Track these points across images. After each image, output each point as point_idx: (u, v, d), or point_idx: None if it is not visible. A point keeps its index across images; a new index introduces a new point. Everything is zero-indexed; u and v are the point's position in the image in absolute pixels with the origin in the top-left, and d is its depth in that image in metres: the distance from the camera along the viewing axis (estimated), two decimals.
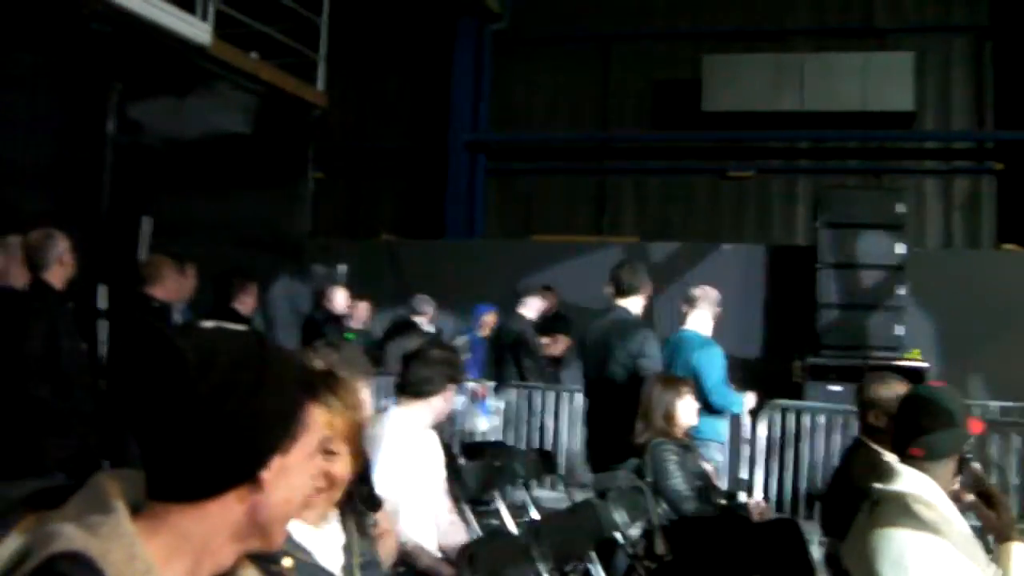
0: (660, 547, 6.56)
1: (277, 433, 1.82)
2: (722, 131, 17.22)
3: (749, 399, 8.86)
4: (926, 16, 17.04)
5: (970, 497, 4.03)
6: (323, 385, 3.16)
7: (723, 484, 8.05)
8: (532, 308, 12.25)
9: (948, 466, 3.91)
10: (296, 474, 1.86)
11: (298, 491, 1.88)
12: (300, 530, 3.07)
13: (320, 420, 2.02)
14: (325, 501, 3.25)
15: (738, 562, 6.55)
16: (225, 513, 1.79)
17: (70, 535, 1.68)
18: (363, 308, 13.25)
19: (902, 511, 3.78)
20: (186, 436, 1.75)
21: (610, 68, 18.16)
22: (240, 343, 1.83)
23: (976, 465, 4.25)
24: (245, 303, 9.36)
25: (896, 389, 5.12)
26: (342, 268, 14.65)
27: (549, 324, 13.19)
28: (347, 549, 3.32)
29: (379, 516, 4.38)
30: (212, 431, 1.74)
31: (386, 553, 4.31)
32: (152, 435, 1.78)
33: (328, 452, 3.12)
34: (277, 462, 1.82)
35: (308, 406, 1.89)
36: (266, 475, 1.80)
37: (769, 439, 9.84)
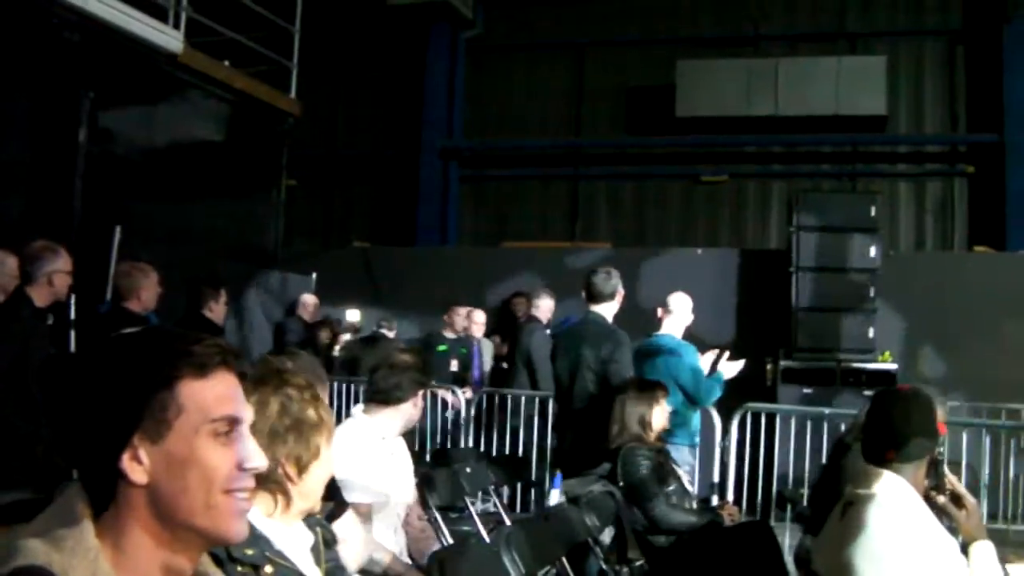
0: (632, 552, 6.57)
1: (122, 419, 1.78)
2: (696, 136, 17.22)
3: (728, 368, 8.80)
4: (898, 20, 17.13)
5: (941, 499, 4.06)
6: (273, 376, 3.18)
7: (695, 488, 8.03)
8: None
9: (920, 468, 3.94)
10: (183, 458, 1.81)
11: (197, 476, 1.82)
12: (276, 536, 3.05)
13: (270, 409, 1.97)
14: (296, 498, 3.23)
15: (711, 565, 6.56)
16: (133, 516, 1.79)
17: (34, 549, 1.67)
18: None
19: (877, 512, 3.80)
20: (59, 450, 1.80)
21: (584, 74, 18.19)
22: (106, 343, 1.85)
23: (947, 468, 4.27)
24: (215, 310, 9.32)
25: None
26: (312, 276, 14.60)
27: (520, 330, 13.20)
28: (315, 551, 3.31)
29: (344, 522, 4.38)
30: (66, 431, 1.78)
31: (353, 559, 4.30)
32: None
33: (280, 444, 3.11)
34: (150, 451, 1.79)
35: (177, 389, 1.83)
36: (134, 466, 1.78)
37: (741, 442, 9.84)
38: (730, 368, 8.67)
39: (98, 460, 1.77)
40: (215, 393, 1.87)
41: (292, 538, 3.17)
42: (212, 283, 9.38)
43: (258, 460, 1.89)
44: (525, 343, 11.37)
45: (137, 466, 1.77)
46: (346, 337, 13.23)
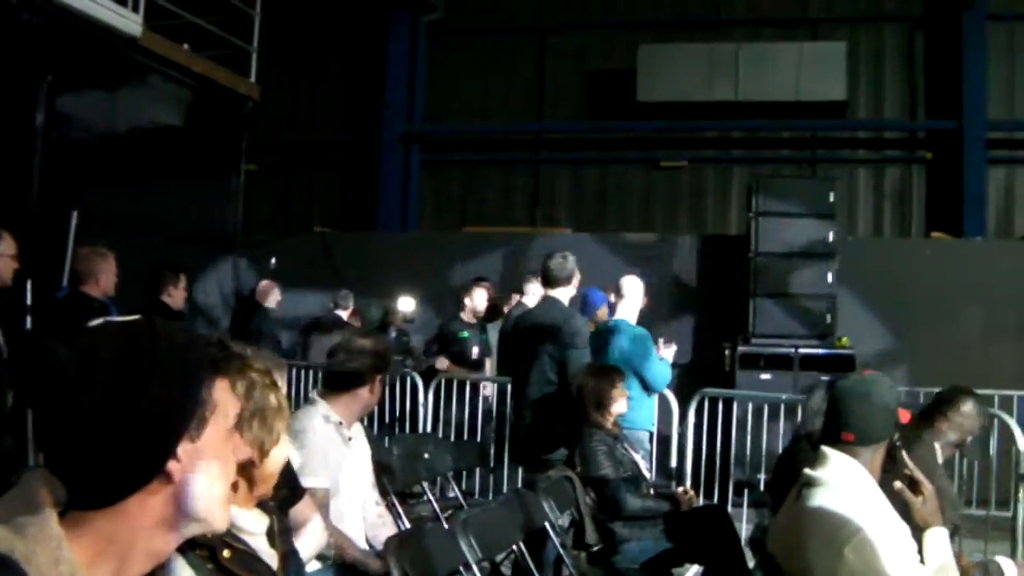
0: (590, 537, 6.60)
1: (176, 421, 1.77)
2: (656, 121, 17.25)
3: (666, 352, 8.87)
4: (859, 6, 17.20)
5: (897, 484, 4.09)
6: (232, 364, 3.15)
7: (652, 473, 8.06)
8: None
9: (877, 452, 3.96)
10: (213, 457, 1.82)
11: (220, 474, 1.84)
12: (234, 519, 3.05)
13: (231, 396, 1.95)
14: (257, 483, 3.24)
15: (668, 550, 6.60)
16: (145, 510, 1.76)
17: None
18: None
19: (830, 493, 3.83)
20: (80, 443, 1.70)
21: (545, 59, 18.18)
22: (125, 335, 1.77)
23: (904, 452, 4.30)
24: (174, 295, 9.26)
25: None
26: (272, 261, 14.55)
27: (485, 316, 13.20)
28: (270, 536, 3.31)
29: (300, 507, 4.38)
30: (105, 434, 1.70)
31: (309, 544, 4.30)
32: (49, 446, 1.74)
33: (245, 430, 3.11)
34: (187, 449, 1.78)
35: (212, 386, 1.84)
36: (175, 465, 1.76)
37: (698, 427, 9.88)
38: (667, 352, 8.74)
39: (146, 461, 1.75)
40: (229, 390, 1.90)
41: (249, 522, 3.17)
42: (171, 268, 9.33)
43: (246, 450, 1.92)
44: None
45: (176, 464, 1.77)
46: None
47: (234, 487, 1.94)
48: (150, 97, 12.89)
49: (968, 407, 5.62)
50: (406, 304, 13.04)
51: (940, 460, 5.32)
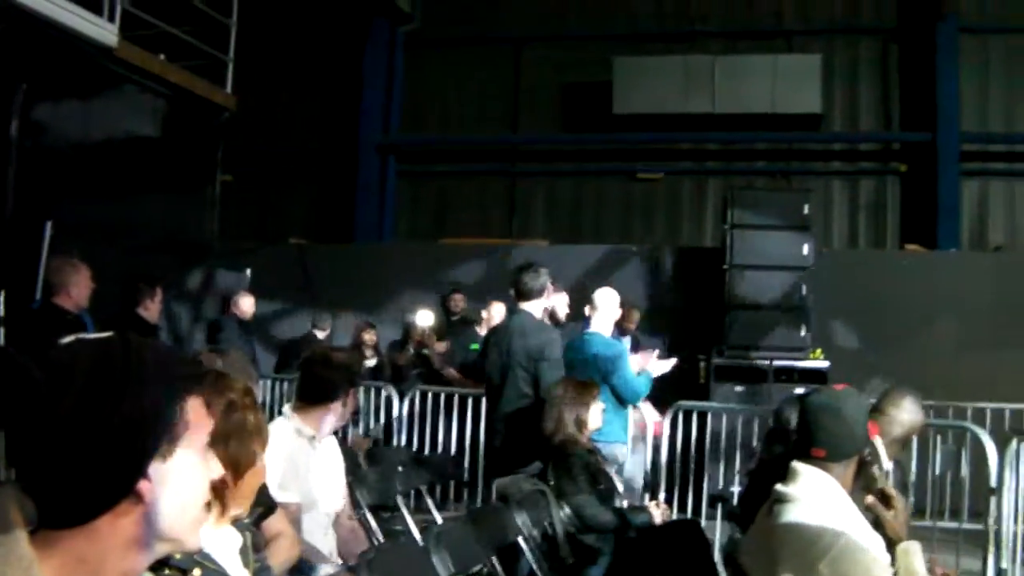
0: (563, 551, 6.59)
1: (147, 440, 1.75)
2: (632, 133, 17.28)
3: (656, 366, 8.84)
4: (834, 18, 17.26)
5: (869, 498, 4.10)
6: (209, 382, 3.14)
7: (626, 486, 8.07)
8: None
9: (849, 467, 3.97)
10: (185, 476, 1.81)
11: (192, 493, 1.83)
12: (205, 539, 3.04)
13: (206, 414, 1.94)
14: (231, 503, 3.23)
15: (641, 564, 6.60)
16: (116, 529, 1.74)
17: None
18: None
19: (803, 509, 3.84)
20: (51, 462, 1.69)
21: (521, 70, 18.20)
22: (99, 353, 1.75)
23: (875, 467, 4.31)
24: (150, 308, 9.25)
25: None
26: (247, 273, 14.52)
27: (455, 327, 13.22)
28: (243, 553, 3.31)
29: (272, 521, 4.37)
30: (76, 453, 1.68)
31: (281, 559, 4.29)
32: (20, 463, 1.72)
33: (220, 450, 3.09)
34: (159, 468, 1.76)
35: (185, 404, 1.82)
36: (146, 485, 1.74)
37: (673, 440, 9.89)
38: (658, 367, 8.72)
39: (117, 480, 1.73)
40: (203, 408, 1.88)
41: (220, 541, 3.17)
42: (148, 281, 9.31)
43: (220, 470, 1.91)
44: None
45: (147, 483, 1.75)
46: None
47: (207, 506, 1.92)
48: (126, 107, 12.86)
49: (906, 402, 5.63)
50: (425, 318, 12.99)
51: (887, 462, 5.30)
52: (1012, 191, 16.47)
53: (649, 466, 9.68)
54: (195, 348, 13.05)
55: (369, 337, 13.22)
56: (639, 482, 10.13)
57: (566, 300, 10.29)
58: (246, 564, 3.27)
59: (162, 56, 13.11)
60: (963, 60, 16.38)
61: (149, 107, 13.20)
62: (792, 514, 3.86)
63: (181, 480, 1.80)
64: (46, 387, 1.69)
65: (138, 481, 1.74)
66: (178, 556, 2.72)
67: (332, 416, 5.40)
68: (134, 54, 12.35)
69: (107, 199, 12.14)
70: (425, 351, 12.83)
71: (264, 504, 4.32)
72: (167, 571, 2.52)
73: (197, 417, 1.85)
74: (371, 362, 12.96)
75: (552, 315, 10.65)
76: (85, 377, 1.71)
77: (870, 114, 17.16)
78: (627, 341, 11.18)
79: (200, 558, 2.80)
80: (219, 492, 3.13)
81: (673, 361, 8.90)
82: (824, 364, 12.58)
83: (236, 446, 3.17)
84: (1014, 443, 8.11)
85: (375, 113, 18.14)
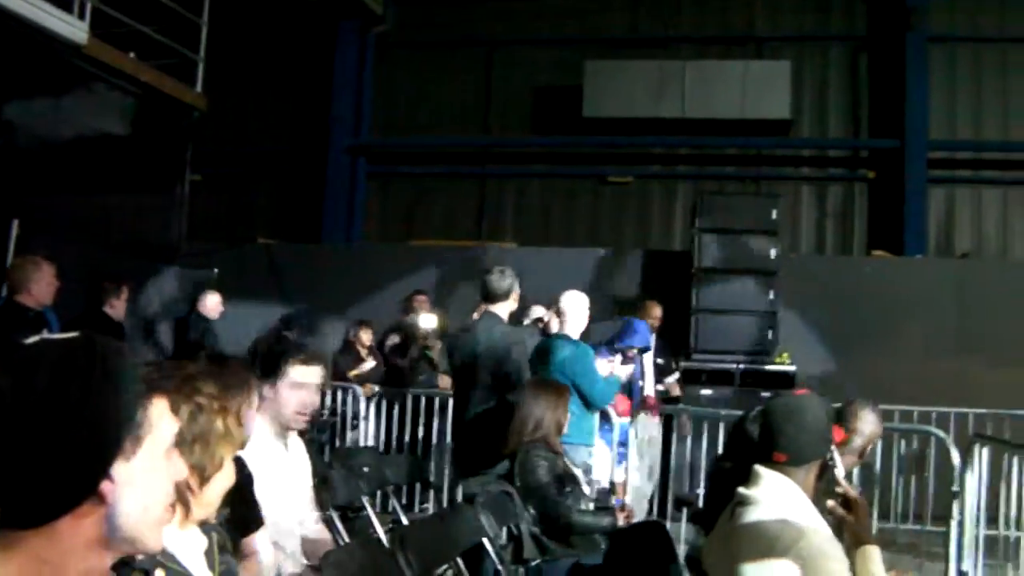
0: (528, 552, 6.61)
1: (110, 442, 1.75)
2: (602, 136, 17.30)
3: (619, 369, 8.85)
4: (804, 25, 17.32)
5: (831, 502, 4.13)
6: (173, 382, 3.13)
7: (592, 489, 8.08)
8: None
9: (810, 471, 3.99)
10: (148, 477, 1.81)
11: (155, 494, 1.83)
12: (169, 540, 3.03)
13: (170, 416, 1.92)
14: (195, 507, 3.23)
15: (606, 565, 6.62)
16: (78, 530, 1.75)
17: None
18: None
19: (764, 511, 3.86)
20: (13, 463, 1.68)
21: (492, 73, 18.19)
22: (63, 354, 1.76)
23: (838, 471, 4.33)
24: (116, 307, 9.25)
25: None
26: (215, 272, 14.47)
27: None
28: (208, 555, 3.30)
29: (258, 538, 4.38)
30: (38, 454, 1.68)
31: (251, 572, 4.28)
32: None
33: (186, 454, 3.09)
34: (122, 469, 1.76)
35: (148, 407, 1.83)
36: (108, 486, 1.75)
37: (640, 442, 9.92)
38: (623, 371, 8.74)
39: (79, 481, 1.73)
40: (167, 411, 1.89)
41: (185, 543, 3.17)
42: (114, 279, 9.29)
43: (184, 472, 1.92)
44: None
45: (109, 485, 1.75)
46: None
47: (171, 508, 1.93)
48: (95, 105, 12.81)
49: (865, 412, 5.67)
50: (428, 321, 12.94)
51: (842, 470, 5.33)
52: (979, 198, 16.56)
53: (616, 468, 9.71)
54: (162, 348, 13.03)
55: (365, 337, 13.17)
56: (648, 490, 10.19)
57: (541, 314, 10.31)
58: (211, 566, 3.27)
59: (132, 55, 13.07)
60: (932, 68, 16.49)
61: (118, 106, 13.15)
62: (753, 516, 3.88)
63: (144, 482, 1.81)
64: (9, 387, 1.69)
65: (100, 482, 1.75)
66: (140, 557, 2.72)
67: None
68: (104, 52, 12.30)
69: (75, 198, 12.11)
70: (428, 353, 12.81)
71: (251, 519, 4.34)
72: (129, 571, 2.53)
73: (161, 419, 1.86)
74: (368, 364, 12.89)
75: (544, 327, 10.66)
76: (49, 377, 1.71)
77: (839, 121, 17.23)
78: (653, 339, 11.25)
79: (163, 559, 2.81)
80: (184, 494, 3.13)
81: (630, 368, 8.96)
82: (791, 368, 12.64)
83: (201, 451, 3.15)
84: (976, 448, 8.17)
85: (346, 114, 18.10)
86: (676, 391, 12.11)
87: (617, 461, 9.79)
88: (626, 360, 10.07)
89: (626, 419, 10.00)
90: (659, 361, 11.70)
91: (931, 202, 16.37)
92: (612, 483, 9.61)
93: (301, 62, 18.37)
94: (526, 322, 10.95)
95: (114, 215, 12.80)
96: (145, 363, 1.92)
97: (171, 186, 14.49)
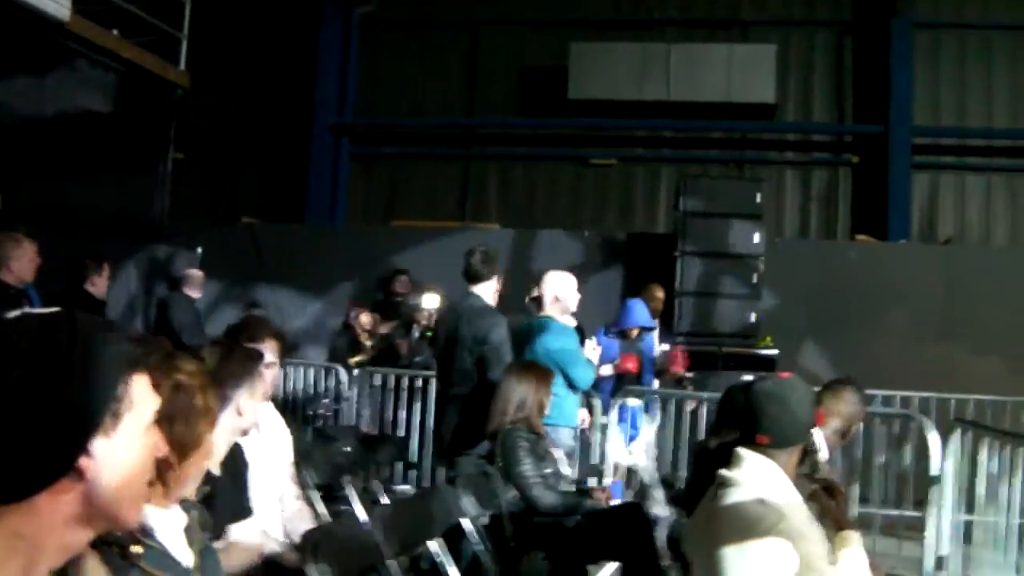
0: (508, 532, 6.62)
1: (90, 418, 1.74)
2: (587, 119, 17.29)
3: (590, 352, 8.85)
4: (791, 10, 17.33)
5: (812, 486, 4.14)
6: (154, 358, 3.11)
7: (575, 470, 8.10)
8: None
9: (792, 455, 4.00)
10: (127, 453, 1.79)
11: (134, 470, 1.81)
12: (147, 517, 3.02)
13: (150, 393, 1.90)
14: (174, 483, 3.22)
15: (585, 546, 6.63)
16: (56, 506, 1.74)
17: None
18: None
19: (745, 495, 3.87)
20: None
21: (478, 54, 18.15)
22: (44, 329, 1.75)
23: (821, 455, 4.35)
24: (97, 284, 9.21)
25: None
26: (198, 251, 14.43)
27: (397, 308, 13.20)
28: (188, 532, 3.29)
29: (244, 528, 4.38)
30: (17, 429, 1.68)
31: (233, 562, 4.26)
32: None
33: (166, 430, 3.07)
34: (101, 445, 1.75)
35: (129, 382, 1.81)
36: (87, 462, 1.73)
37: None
38: (592, 352, 8.73)
39: (58, 457, 1.72)
40: (148, 387, 1.88)
41: (164, 519, 3.16)
42: (94, 257, 9.26)
43: (164, 449, 1.94)
44: None
45: (88, 460, 1.74)
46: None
47: (150, 485, 1.92)
48: (77, 83, 12.76)
49: (847, 394, 5.70)
50: (431, 301, 12.89)
51: (826, 454, 5.35)
52: (962, 184, 16.62)
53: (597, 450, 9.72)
54: (143, 326, 13.01)
55: (365, 320, 13.11)
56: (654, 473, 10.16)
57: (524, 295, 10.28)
58: (191, 543, 3.25)
59: (115, 31, 13.00)
60: (916, 55, 16.52)
61: (101, 83, 13.09)
62: (735, 497, 3.89)
63: (123, 458, 1.80)
64: None
65: (79, 458, 1.74)
66: (119, 533, 2.71)
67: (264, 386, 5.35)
68: (87, 29, 12.24)
69: (57, 175, 12.06)
70: (429, 334, 12.77)
71: (241, 507, 4.34)
72: (107, 547, 2.51)
73: (142, 395, 1.85)
74: (368, 350, 12.83)
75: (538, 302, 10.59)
76: (29, 352, 1.71)
77: (824, 105, 17.25)
78: (658, 322, 11.30)
79: (141, 536, 2.80)
80: (163, 472, 3.11)
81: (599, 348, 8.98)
82: (773, 352, 12.67)
83: (182, 427, 3.15)
84: (957, 433, 8.19)
85: (330, 94, 18.04)
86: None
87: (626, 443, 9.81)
88: (627, 341, 10.15)
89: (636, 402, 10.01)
90: (665, 347, 11.78)
91: (915, 187, 16.41)
92: (593, 464, 9.61)
93: (285, 41, 18.28)
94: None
95: (97, 193, 12.74)
96: (128, 339, 1.87)
97: (154, 164, 14.45)
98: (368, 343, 12.93)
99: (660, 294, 12.38)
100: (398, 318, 12.92)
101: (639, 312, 11.06)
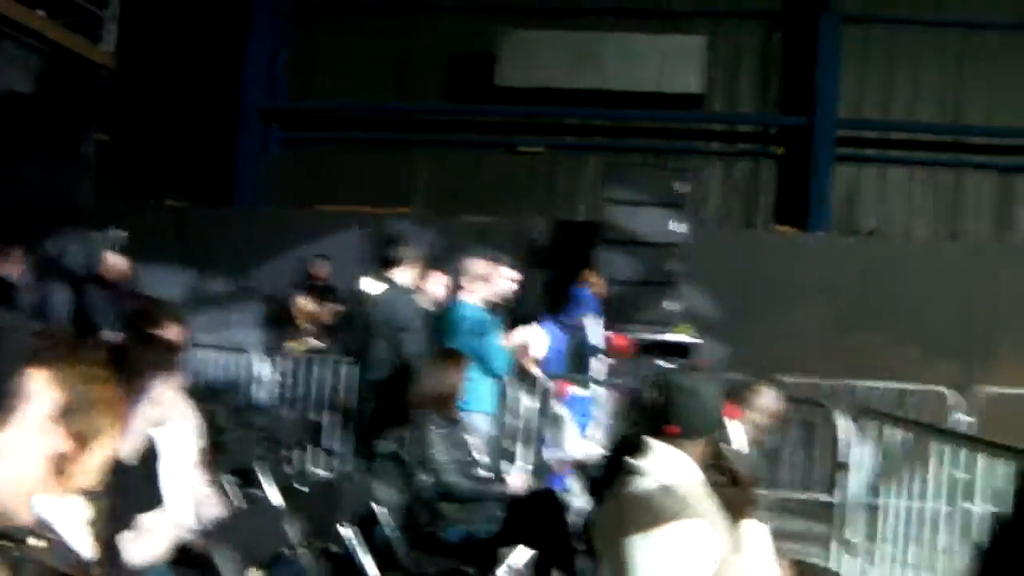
0: (420, 518, 6.67)
1: None
2: (515, 106, 17.31)
3: (515, 339, 8.91)
4: (720, 2, 17.42)
5: (717, 476, 4.21)
6: (57, 351, 3.12)
7: (488, 456, 8.15)
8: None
9: (701, 445, 4.08)
10: (21, 448, 1.83)
11: (27, 466, 1.85)
12: (46, 509, 3.02)
13: (50, 387, 1.92)
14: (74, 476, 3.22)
15: (498, 532, 6.70)
16: None
17: None
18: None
19: (651, 483, 3.93)
20: None
21: (409, 39, 18.08)
22: None
23: (733, 445, 4.42)
24: (8, 269, 9.12)
25: None
26: (120, 233, 14.31)
27: (319, 293, 13.19)
28: (91, 525, 3.30)
29: (156, 516, 4.39)
30: None
31: (145, 553, 4.28)
32: None
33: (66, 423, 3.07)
34: None
35: (25, 376, 1.84)
36: None
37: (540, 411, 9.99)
38: (515, 337, 8.79)
39: None
40: (48, 380, 1.92)
41: (64, 511, 3.17)
42: (5, 240, 9.17)
43: (61, 443, 1.94)
44: None
45: None
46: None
47: (49, 478, 1.94)
48: (1, 62, 12.62)
49: (765, 388, 5.84)
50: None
51: (735, 444, 5.44)
52: (884, 177, 16.81)
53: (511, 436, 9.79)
54: (64, 310, 12.89)
55: (305, 305, 13.02)
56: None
57: (444, 281, 10.32)
58: (94, 535, 3.27)
59: (40, 12, 12.87)
60: (845, 49, 16.65)
61: (24, 63, 12.96)
62: (641, 486, 3.95)
63: (16, 452, 1.84)
64: None
65: None
66: (14, 526, 2.72)
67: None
68: (11, 8, 12.13)
69: None
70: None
71: (152, 497, 4.35)
72: (4, 540, 2.54)
73: (39, 389, 1.89)
74: (312, 339, 12.75)
75: (432, 297, 10.66)
76: None
77: (750, 97, 17.36)
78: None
79: (38, 528, 2.81)
80: (63, 463, 3.12)
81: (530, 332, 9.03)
82: (691, 340, 12.80)
83: (81, 420, 3.15)
84: (865, 421, 8.34)
85: (259, 77, 17.87)
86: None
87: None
88: (572, 328, 10.24)
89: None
90: (608, 334, 11.89)
91: (838, 179, 16.57)
92: (506, 450, 9.68)
93: (215, 22, 18.09)
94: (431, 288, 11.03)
95: (18, 175, 12.60)
96: (30, 332, 1.89)
97: (76, 145, 14.31)
98: (306, 326, 12.89)
99: (595, 278, 12.48)
100: (333, 303, 12.90)
101: (588, 301, 11.16)
